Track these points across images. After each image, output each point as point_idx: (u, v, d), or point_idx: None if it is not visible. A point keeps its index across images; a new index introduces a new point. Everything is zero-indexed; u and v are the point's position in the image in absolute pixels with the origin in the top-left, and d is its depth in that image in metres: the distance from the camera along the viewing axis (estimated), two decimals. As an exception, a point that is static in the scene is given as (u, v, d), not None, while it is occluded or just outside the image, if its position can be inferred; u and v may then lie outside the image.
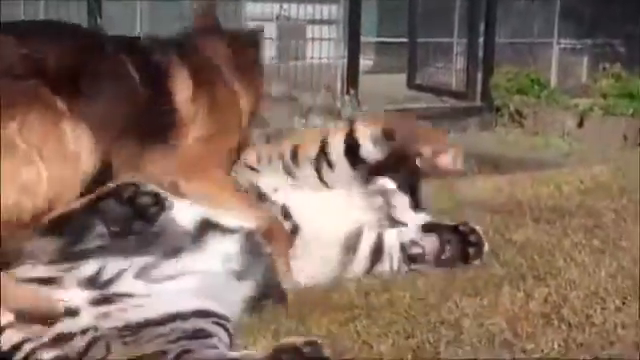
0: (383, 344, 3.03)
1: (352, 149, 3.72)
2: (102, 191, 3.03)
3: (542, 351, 2.97)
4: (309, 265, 3.63)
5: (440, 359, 2.93)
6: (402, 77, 11.48)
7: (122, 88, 3.43)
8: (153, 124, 3.45)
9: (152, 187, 3.07)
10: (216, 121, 3.62)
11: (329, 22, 12.31)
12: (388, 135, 3.69)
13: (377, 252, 3.79)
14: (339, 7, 12.71)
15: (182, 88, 3.58)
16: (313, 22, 12.35)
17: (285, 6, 11.20)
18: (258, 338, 3.06)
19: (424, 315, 3.29)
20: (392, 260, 3.80)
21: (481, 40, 9.70)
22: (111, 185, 3.07)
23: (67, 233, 2.93)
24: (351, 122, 3.92)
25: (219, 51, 3.86)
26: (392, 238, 3.82)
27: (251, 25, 12.48)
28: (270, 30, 13.04)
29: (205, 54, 3.81)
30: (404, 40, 12.26)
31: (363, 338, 3.08)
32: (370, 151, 3.72)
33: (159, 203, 3.01)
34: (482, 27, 9.55)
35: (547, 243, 4.23)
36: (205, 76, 3.69)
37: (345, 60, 9.32)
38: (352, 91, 7.18)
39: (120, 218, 2.95)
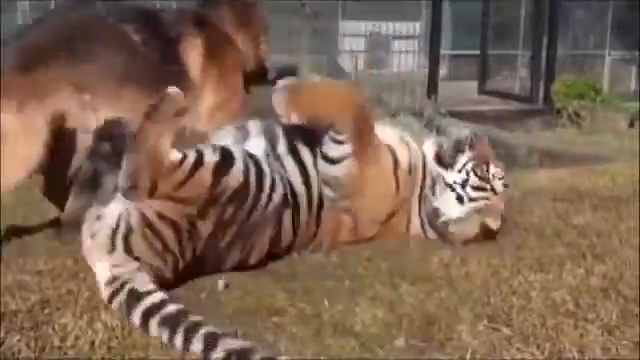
0: (462, 310, 2.99)
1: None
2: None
3: (602, 320, 2.89)
4: None
5: (512, 325, 2.88)
6: (471, 84, 11.34)
7: (117, 49, 3.51)
8: (163, 81, 3.36)
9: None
10: (224, 88, 3.64)
11: (411, 37, 12.28)
12: None
13: None
14: (420, 24, 12.68)
15: (193, 56, 3.60)
16: (397, 37, 12.32)
17: (376, 23, 11.20)
18: (358, 302, 3.04)
19: (497, 287, 3.24)
20: None
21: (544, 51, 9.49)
22: None
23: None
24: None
25: (226, 18, 3.86)
26: None
27: (346, 41, 12.58)
28: (361, 44, 13.14)
29: (214, 22, 3.82)
30: (475, 52, 12.13)
31: (445, 305, 3.05)
32: None
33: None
34: (545, 40, 9.34)
35: (604, 227, 4.13)
36: (216, 46, 3.69)
37: (424, 69, 9.29)
38: (432, 95, 7.13)
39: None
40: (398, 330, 2.83)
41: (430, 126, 5.61)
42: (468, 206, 3.79)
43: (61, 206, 3.56)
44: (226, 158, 3.24)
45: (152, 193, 3.01)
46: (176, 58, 3.60)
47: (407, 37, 12.13)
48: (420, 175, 3.83)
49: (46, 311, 2.85)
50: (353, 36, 12.65)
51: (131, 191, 2.98)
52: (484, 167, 3.83)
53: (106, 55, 3.55)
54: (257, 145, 3.55)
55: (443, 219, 3.80)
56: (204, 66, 3.65)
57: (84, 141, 3.48)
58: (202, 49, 3.66)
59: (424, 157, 3.87)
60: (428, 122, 5.60)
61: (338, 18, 12.70)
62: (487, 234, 3.80)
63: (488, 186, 3.84)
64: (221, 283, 3.22)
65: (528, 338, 2.77)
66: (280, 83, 3.42)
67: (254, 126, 3.64)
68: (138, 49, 3.55)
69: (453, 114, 6.17)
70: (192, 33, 3.69)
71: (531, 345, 2.72)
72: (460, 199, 3.80)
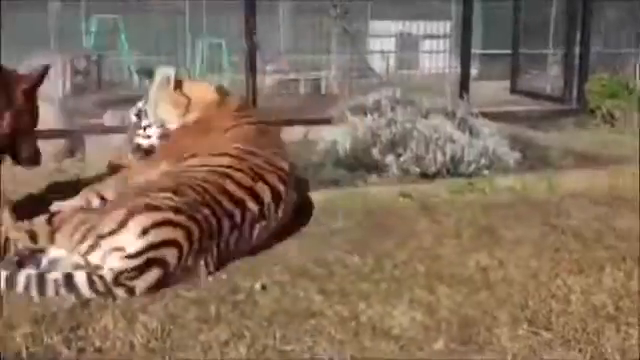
0: (501, 313, 2.97)
1: None
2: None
3: (644, 324, 2.86)
4: None
5: (552, 328, 2.85)
6: (501, 83, 11.24)
7: None
8: None
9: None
10: None
11: (441, 37, 12.22)
12: None
13: None
14: (450, 24, 12.61)
15: None
16: (427, 37, 12.27)
17: (406, 23, 11.18)
18: (395, 305, 3.03)
19: (536, 290, 3.21)
20: None
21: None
22: None
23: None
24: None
25: None
26: None
27: (375, 41, 12.56)
28: (390, 44, 13.12)
29: None
30: (506, 51, 12.04)
31: (484, 308, 3.03)
32: None
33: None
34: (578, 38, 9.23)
35: (644, 230, 4.06)
36: None
37: (454, 69, 9.21)
38: (465, 95, 7.08)
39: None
40: (437, 333, 2.81)
41: (463, 127, 5.55)
42: None
43: None
44: None
45: None
46: None
47: (437, 37, 12.08)
48: None
49: (86, 312, 2.87)
50: (382, 37, 12.62)
51: None
52: None
53: None
54: None
55: None
56: None
57: None
58: None
59: None
60: (460, 123, 5.54)
61: (367, 18, 12.68)
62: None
63: None
64: (258, 285, 3.23)
65: (569, 342, 2.75)
66: None
67: None
68: None
69: (485, 115, 6.09)
70: None
71: (572, 349, 2.70)
72: None
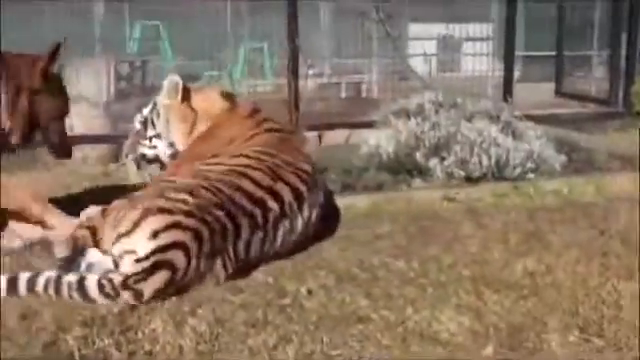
0: (551, 319, 2.93)
1: None
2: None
3: (699, 330, 2.80)
4: None
5: (604, 335, 2.81)
6: (544, 85, 11.12)
7: None
8: None
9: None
10: None
11: (482, 39, 12.12)
12: None
13: None
14: (491, 26, 12.51)
15: None
16: (468, 39, 12.19)
17: (448, 26, 11.13)
18: (442, 310, 3.01)
19: (586, 296, 3.17)
20: None
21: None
22: None
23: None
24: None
25: None
26: None
27: (415, 44, 12.52)
28: (431, 47, 13.07)
29: None
30: (549, 53, 11.92)
31: (533, 314, 3.00)
32: None
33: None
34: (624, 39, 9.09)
35: (695, 234, 3.98)
36: None
37: (496, 72, 9.14)
38: (509, 98, 7.02)
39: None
40: (485, 339, 2.79)
41: (507, 130, 5.50)
42: None
43: None
44: None
45: None
46: None
47: (478, 39, 11.99)
48: None
49: (135, 315, 2.90)
50: (423, 39, 12.57)
51: None
52: None
53: None
54: None
55: None
56: None
57: None
58: None
59: None
60: (505, 126, 5.49)
61: (407, 21, 12.64)
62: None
63: None
64: (304, 289, 3.23)
65: (621, 349, 2.70)
66: None
67: None
68: None
69: (529, 117, 6.03)
70: None
71: (625, 356, 2.65)
72: None
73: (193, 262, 3.18)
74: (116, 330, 2.77)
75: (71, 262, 3.26)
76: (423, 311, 3.01)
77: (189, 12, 11.27)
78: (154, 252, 3.11)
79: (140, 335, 2.75)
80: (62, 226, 3.70)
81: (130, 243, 3.15)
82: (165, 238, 3.15)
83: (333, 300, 3.15)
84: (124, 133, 6.74)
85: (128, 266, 3.10)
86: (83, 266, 3.22)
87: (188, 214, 3.24)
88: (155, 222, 3.17)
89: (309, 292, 3.22)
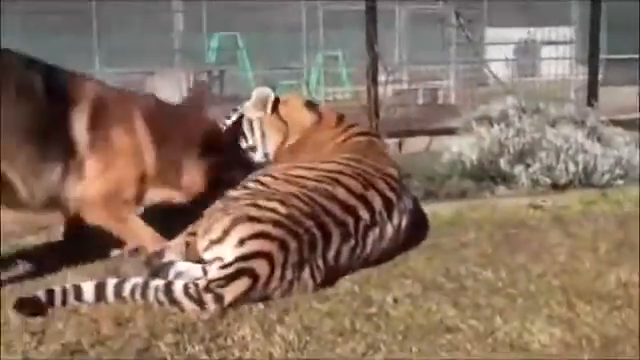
0: (649, 333, 2.83)
1: None
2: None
3: None
4: None
5: None
6: (629, 89, 10.80)
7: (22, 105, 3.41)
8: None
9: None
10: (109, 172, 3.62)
11: (562, 43, 11.88)
12: None
13: None
14: (572, 29, 12.26)
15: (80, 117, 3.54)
16: (547, 43, 11.95)
17: (527, 30, 10.95)
18: (533, 321, 2.94)
19: (684, 307, 3.04)
20: None
21: None
22: None
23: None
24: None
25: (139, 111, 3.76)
26: None
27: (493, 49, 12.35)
28: (509, 52, 12.86)
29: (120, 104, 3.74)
30: (632, 56, 11.61)
31: (628, 326, 2.90)
32: None
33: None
34: None
35: None
36: (105, 127, 3.62)
37: (577, 76, 8.92)
38: (594, 102, 6.84)
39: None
40: (579, 351, 2.71)
41: (592, 136, 5.36)
42: None
43: None
44: None
45: None
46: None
47: (558, 43, 11.74)
48: None
49: (224, 322, 2.94)
50: (500, 44, 12.39)
51: None
52: None
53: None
54: None
55: None
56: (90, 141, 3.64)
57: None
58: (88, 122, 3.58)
59: None
60: (591, 131, 5.36)
61: (485, 26, 12.48)
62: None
63: None
64: (390, 297, 3.21)
65: None
66: None
67: None
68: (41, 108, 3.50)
69: (614, 122, 5.87)
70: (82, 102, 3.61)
71: None
72: None
73: (277, 272, 3.19)
74: (206, 337, 2.81)
75: (160, 272, 3.35)
76: (513, 322, 2.94)
77: (266, 22, 11.42)
78: (238, 259, 3.15)
79: (230, 342, 2.78)
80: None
81: (219, 250, 3.21)
82: (250, 246, 3.18)
83: (420, 309, 3.11)
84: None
85: (214, 271, 3.16)
86: (171, 275, 3.30)
87: (277, 224, 3.26)
88: (243, 230, 3.21)
89: (395, 301, 3.20)
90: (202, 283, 3.09)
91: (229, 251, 3.18)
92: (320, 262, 3.35)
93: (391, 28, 11.65)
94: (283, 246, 3.23)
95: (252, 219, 3.26)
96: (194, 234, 3.48)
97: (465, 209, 4.54)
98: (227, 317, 2.98)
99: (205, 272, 3.22)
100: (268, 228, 3.24)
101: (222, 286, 3.08)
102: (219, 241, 3.22)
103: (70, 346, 2.71)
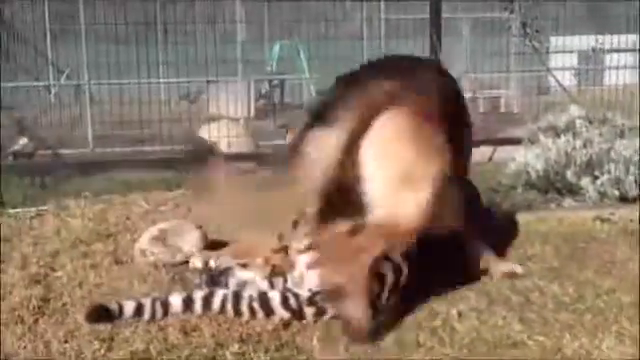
0: None
1: None
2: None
3: None
4: None
5: None
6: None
7: None
8: None
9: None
10: None
11: (627, 50, 11.59)
12: None
13: None
14: (638, 36, 11.94)
15: None
16: (612, 51, 11.68)
17: (594, 37, 10.73)
18: (602, 339, 2.87)
19: None
20: None
21: None
22: None
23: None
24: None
25: None
26: None
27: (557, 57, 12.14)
28: (573, 60, 12.63)
29: None
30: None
31: None
32: None
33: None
34: None
35: None
36: None
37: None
38: (667, 112, 6.67)
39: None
40: (651, 370, 2.63)
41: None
42: None
43: None
44: None
45: None
46: None
47: (623, 50, 11.47)
48: None
49: (289, 333, 2.94)
50: (564, 52, 12.16)
51: None
52: None
53: None
54: None
55: None
56: None
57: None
58: None
59: None
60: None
61: (548, 34, 12.27)
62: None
63: None
64: (454, 311, 3.17)
65: None
66: None
67: None
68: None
69: (684, 134, 5.69)
70: None
71: None
72: None
73: (385, 294, 3.11)
74: (271, 347, 2.82)
75: (217, 279, 3.39)
76: (582, 338, 2.87)
77: (326, 32, 11.45)
78: None
79: (295, 352, 2.78)
80: None
81: None
82: None
83: (485, 323, 3.07)
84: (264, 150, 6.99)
85: (313, 282, 3.09)
86: (232, 283, 3.32)
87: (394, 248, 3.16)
88: None
89: (459, 314, 3.16)
90: (304, 295, 3.07)
91: None
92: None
93: (455, 37, 11.54)
94: (397, 269, 3.17)
95: None
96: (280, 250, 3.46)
97: (531, 221, 4.45)
98: (291, 327, 2.98)
99: (272, 286, 3.23)
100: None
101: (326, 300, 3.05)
102: None
103: (138, 354, 2.75)
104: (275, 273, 3.40)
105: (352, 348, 2.80)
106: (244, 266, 3.51)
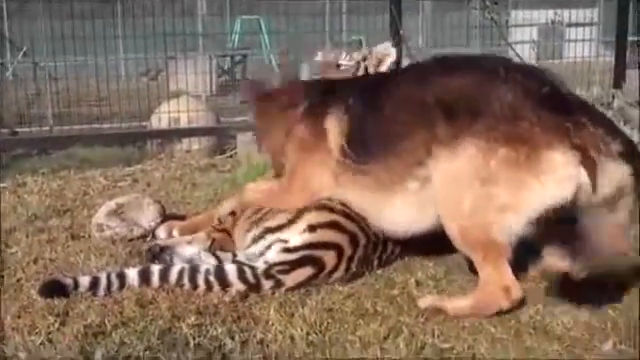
0: None
1: None
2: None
3: None
4: None
5: None
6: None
7: None
8: None
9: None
10: None
11: (587, 24, 11.69)
12: None
13: None
14: (596, 11, 12.07)
15: None
16: (571, 25, 11.76)
17: (558, 11, 10.79)
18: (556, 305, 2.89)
19: None
20: None
21: None
22: None
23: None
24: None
25: None
26: None
27: (517, 31, 12.20)
28: (532, 33, 12.68)
29: None
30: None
31: None
32: None
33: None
34: None
35: None
36: None
37: (601, 58, 8.74)
38: (623, 84, 6.69)
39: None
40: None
41: (619, 117, 5.25)
42: None
43: None
44: None
45: None
46: None
47: (582, 24, 11.55)
48: None
49: (246, 305, 2.92)
50: (525, 26, 12.23)
51: None
52: None
53: None
54: None
55: None
56: None
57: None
58: None
59: None
60: (617, 113, 5.25)
61: (508, 8, 12.32)
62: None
63: None
64: (412, 280, 3.18)
65: None
66: None
67: None
68: None
69: (640, 104, 5.75)
70: None
71: None
72: None
73: (343, 265, 3.13)
74: (228, 319, 2.79)
75: (158, 256, 3.37)
76: (537, 305, 2.90)
77: (288, 7, 11.35)
78: (306, 247, 3.10)
79: (252, 324, 2.76)
80: None
81: (282, 235, 3.14)
82: (320, 235, 3.13)
83: (442, 292, 3.08)
84: (226, 125, 6.92)
85: (275, 254, 3.10)
86: (176, 261, 3.28)
87: (348, 217, 3.21)
88: (312, 217, 3.16)
89: (417, 283, 3.16)
90: (261, 267, 3.05)
91: (295, 235, 3.12)
92: (375, 262, 3.29)
93: (414, 12, 11.52)
94: (354, 240, 3.18)
95: (321, 207, 3.22)
96: (222, 231, 3.47)
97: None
98: (249, 299, 2.96)
99: (219, 260, 3.21)
100: (340, 219, 3.19)
101: (284, 272, 3.04)
102: (282, 227, 3.16)
103: (93, 327, 2.71)
104: (214, 247, 3.42)
105: (309, 317, 2.78)
106: (189, 243, 3.49)
